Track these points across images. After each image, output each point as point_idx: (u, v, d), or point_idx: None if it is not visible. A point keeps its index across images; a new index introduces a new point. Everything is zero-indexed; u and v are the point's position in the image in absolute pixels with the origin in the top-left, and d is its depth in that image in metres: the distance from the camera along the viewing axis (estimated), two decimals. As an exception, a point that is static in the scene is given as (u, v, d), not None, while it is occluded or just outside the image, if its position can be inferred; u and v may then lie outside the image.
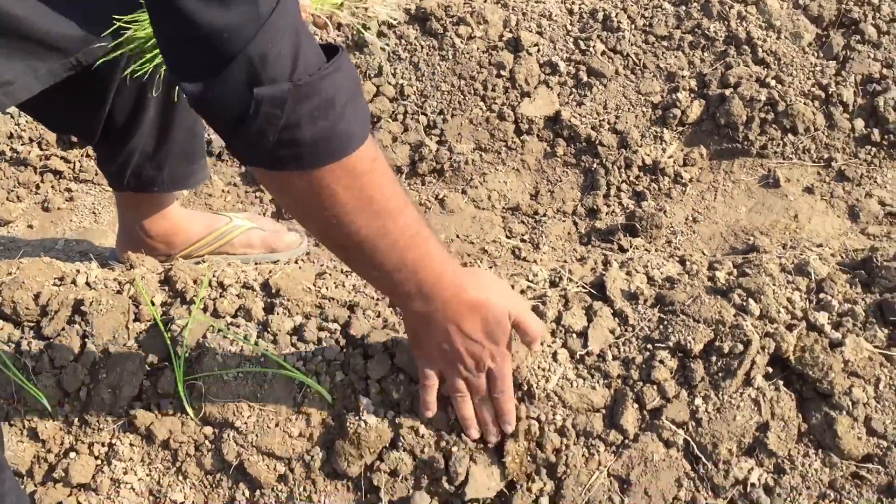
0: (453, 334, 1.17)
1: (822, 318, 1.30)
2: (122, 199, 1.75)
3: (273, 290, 1.44)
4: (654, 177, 2.06)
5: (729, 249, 1.89)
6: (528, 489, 1.26)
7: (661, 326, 1.31)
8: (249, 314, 1.39)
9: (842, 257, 1.49)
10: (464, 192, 2.12)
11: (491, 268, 1.81)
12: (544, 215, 2.05)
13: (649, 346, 1.30)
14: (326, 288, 1.47)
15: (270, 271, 1.52)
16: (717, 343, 1.28)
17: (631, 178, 2.07)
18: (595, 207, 2.04)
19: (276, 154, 0.96)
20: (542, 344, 1.32)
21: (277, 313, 1.39)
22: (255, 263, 1.81)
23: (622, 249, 1.90)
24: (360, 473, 1.29)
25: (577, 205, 2.07)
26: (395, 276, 1.10)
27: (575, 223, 2.03)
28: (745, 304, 1.32)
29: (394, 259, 1.08)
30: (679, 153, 2.09)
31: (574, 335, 1.34)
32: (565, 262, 1.79)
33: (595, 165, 2.09)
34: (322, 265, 1.62)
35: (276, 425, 1.30)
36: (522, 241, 1.97)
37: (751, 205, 1.99)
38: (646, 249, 1.88)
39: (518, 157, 2.16)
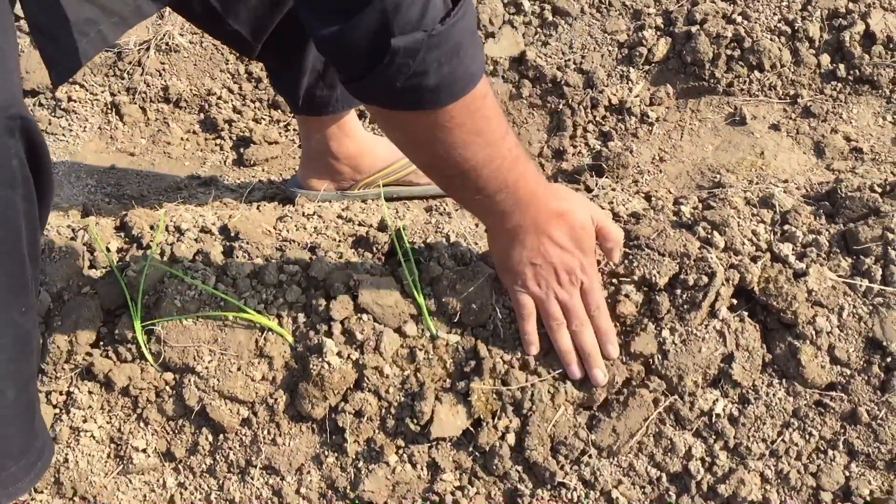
0: (544, 245, 1.19)
1: (786, 248, 1.30)
2: (305, 121, 1.69)
3: (232, 234, 1.41)
4: (620, 117, 2.04)
5: (695, 187, 1.88)
6: (494, 427, 1.25)
7: (626, 261, 1.30)
8: (208, 258, 1.36)
9: (806, 191, 1.48)
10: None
11: (456, 210, 1.79)
12: (510, 157, 2.02)
13: (614, 280, 1.29)
14: (287, 230, 1.44)
15: (230, 216, 1.48)
16: (682, 276, 1.27)
17: (597, 119, 2.04)
18: (561, 148, 2.02)
19: (399, 97, 0.99)
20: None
21: (237, 257, 1.36)
22: (436, 196, 1.77)
23: (588, 190, 1.88)
24: (324, 415, 1.27)
25: (544, 146, 2.04)
26: (495, 197, 1.13)
27: (542, 164, 2.01)
28: (709, 236, 1.31)
29: (496, 183, 1.11)
30: (646, 92, 2.06)
31: (539, 272, 1.33)
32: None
33: (561, 106, 2.06)
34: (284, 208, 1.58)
35: (238, 369, 1.28)
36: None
37: (717, 143, 1.98)
38: (612, 189, 1.87)
39: (483, 99, 2.11)
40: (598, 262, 1.28)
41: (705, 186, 1.87)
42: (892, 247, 1.25)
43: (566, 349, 1.23)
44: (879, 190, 1.38)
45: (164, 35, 2.22)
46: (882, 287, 1.24)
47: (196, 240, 1.40)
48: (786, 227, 1.34)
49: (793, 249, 1.30)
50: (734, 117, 2.00)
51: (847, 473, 1.20)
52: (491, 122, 1.06)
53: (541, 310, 1.23)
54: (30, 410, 0.99)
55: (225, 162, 2.09)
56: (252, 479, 1.27)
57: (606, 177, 1.91)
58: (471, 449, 1.26)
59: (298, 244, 1.40)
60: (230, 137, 2.13)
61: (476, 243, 1.36)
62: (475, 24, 1.02)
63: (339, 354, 1.26)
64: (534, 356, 1.25)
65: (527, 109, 2.10)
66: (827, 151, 1.90)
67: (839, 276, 1.26)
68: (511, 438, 1.25)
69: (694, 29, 2.04)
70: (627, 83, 2.07)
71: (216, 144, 2.13)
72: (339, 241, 1.41)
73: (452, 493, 1.25)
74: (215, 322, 1.29)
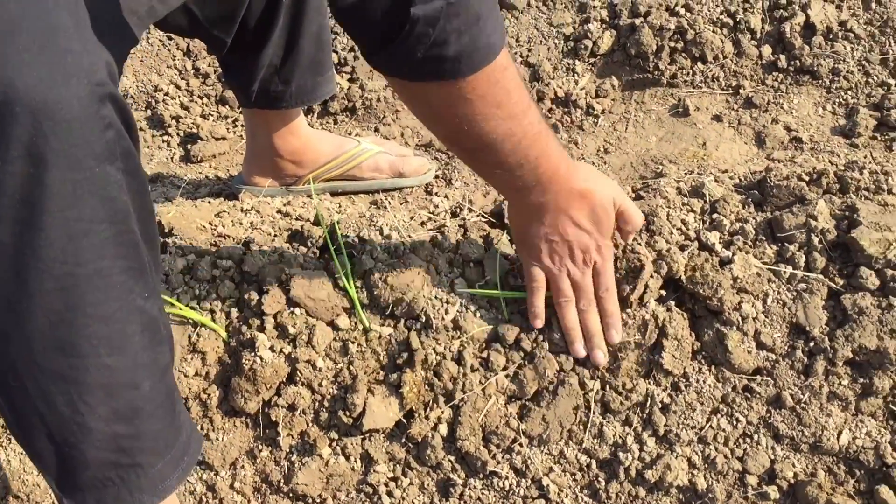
0: (563, 223, 1.19)
1: (713, 237, 1.32)
2: (252, 116, 1.67)
3: (166, 230, 1.40)
4: (566, 109, 2.05)
5: (638, 178, 1.90)
6: (426, 417, 1.26)
7: (557, 252, 1.31)
8: (140, 254, 1.35)
9: (739, 180, 1.50)
10: (376, 129, 2.09)
11: (402, 204, 1.80)
12: (457, 151, 2.03)
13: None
14: (223, 226, 1.44)
15: (166, 212, 1.48)
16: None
17: (543, 111, 2.05)
18: (508, 141, 2.02)
19: (419, 68, 0.98)
20: (439, 273, 1.31)
21: (170, 252, 1.36)
22: (381, 191, 1.77)
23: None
24: (258, 410, 1.27)
25: (491, 139, 2.05)
26: (516, 172, 1.13)
27: (488, 158, 2.02)
28: (639, 226, 1.33)
29: (517, 157, 1.11)
30: (591, 85, 2.08)
31: (471, 264, 1.34)
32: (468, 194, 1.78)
33: (508, 99, 2.07)
34: (220, 203, 1.58)
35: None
36: (435, 177, 1.95)
37: (661, 134, 2.00)
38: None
39: (431, 92, 2.12)
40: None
41: (648, 177, 1.89)
42: (815, 234, 1.27)
43: (572, 326, 1.24)
44: (807, 178, 1.40)
45: (109, 31, 2.20)
46: (805, 273, 1.26)
47: (130, 236, 1.40)
48: (714, 215, 1.36)
49: (720, 238, 1.32)
50: (678, 109, 2.02)
51: (772, 457, 1.22)
52: (512, 95, 1.06)
53: (552, 285, 1.25)
54: (168, 402, 0.94)
55: (172, 158, 2.07)
56: (185, 474, 1.27)
57: (551, 169, 1.92)
58: (404, 440, 1.27)
59: (233, 239, 1.40)
60: (177, 134, 2.12)
61: (409, 236, 1.37)
62: None
63: (271, 349, 1.26)
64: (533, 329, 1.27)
65: (474, 103, 2.10)
66: (767, 141, 1.93)
67: (764, 264, 1.28)
68: (443, 429, 1.26)
69: (637, 21, 2.05)
70: (573, 76, 2.08)
71: (163, 141, 2.11)
72: (275, 235, 1.41)
73: (386, 485, 1.26)
74: (147, 318, 1.29)
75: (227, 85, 1.61)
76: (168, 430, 0.94)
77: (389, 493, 1.25)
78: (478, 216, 1.43)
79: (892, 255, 1.23)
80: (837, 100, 1.98)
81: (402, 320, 1.29)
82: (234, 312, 1.30)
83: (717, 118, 2.00)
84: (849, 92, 1.99)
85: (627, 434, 1.25)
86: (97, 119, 0.76)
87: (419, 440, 1.26)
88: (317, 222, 1.43)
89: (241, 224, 1.45)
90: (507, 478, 1.25)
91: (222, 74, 1.71)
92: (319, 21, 1.50)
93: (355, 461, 1.27)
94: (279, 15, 1.42)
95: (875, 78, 1.99)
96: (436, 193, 1.90)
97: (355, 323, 1.29)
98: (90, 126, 0.75)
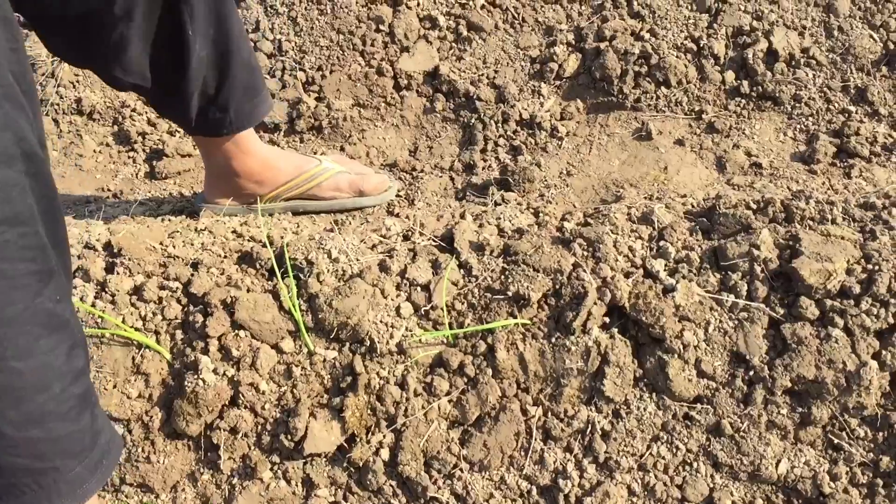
0: None
1: (658, 265, 1.32)
2: (202, 141, 1.67)
3: (115, 250, 1.40)
4: (531, 131, 2.06)
5: (599, 202, 1.91)
6: (368, 442, 1.26)
7: (502, 277, 1.32)
8: (88, 274, 1.35)
9: (691, 207, 1.51)
10: (342, 148, 2.10)
11: (362, 225, 1.80)
12: (422, 171, 2.04)
13: (488, 295, 1.31)
14: (174, 247, 1.44)
15: (118, 231, 1.48)
16: (554, 293, 1.29)
17: (508, 133, 2.06)
18: (472, 162, 2.03)
19: None
20: (385, 297, 1.32)
21: (117, 273, 1.36)
22: (342, 211, 1.78)
23: (496, 204, 1.90)
24: (200, 432, 1.27)
25: (455, 160, 2.06)
26: None
27: (452, 178, 2.02)
28: (585, 253, 1.34)
29: None
30: (556, 107, 2.09)
31: (419, 288, 1.34)
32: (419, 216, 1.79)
33: (473, 120, 2.08)
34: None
35: (114, 387, 1.28)
36: (398, 195, 1.95)
37: (624, 157, 2.01)
38: (518, 203, 1.89)
39: (398, 112, 2.13)
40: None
41: (608, 201, 1.90)
42: (758, 263, 1.28)
43: None
44: (755, 206, 1.41)
45: (79, 47, 2.20)
46: (747, 302, 1.27)
47: (79, 256, 1.40)
48: (661, 243, 1.37)
49: (665, 265, 1.33)
50: (641, 132, 2.03)
51: (711, 485, 1.23)
52: None
53: None
54: (83, 405, 0.92)
55: (137, 175, 2.08)
56: (126, 496, 1.27)
57: (513, 191, 1.93)
58: (345, 464, 1.27)
59: (183, 260, 1.40)
60: (143, 150, 2.12)
61: (357, 259, 1.37)
62: None
63: (214, 371, 1.26)
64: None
65: (440, 123, 2.12)
66: (728, 166, 1.94)
67: (707, 292, 1.29)
68: (385, 454, 1.26)
69: (603, 45, 2.07)
70: (539, 98, 2.10)
71: (129, 157, 2.12)
72: (225, 256, 1.41)
73: (327, 509, 1.26)
74: (91, 339, 1.29)
75: (166, 117, 1.61)
76: (84, 433, 0.93)
77: (330, 518, 1.25)
78: (428, 240, 1.43)
79: (831, 286, 1.24)
80: (798, 126, 2.00)
81: (347, 344, 1.30)
82: (179, 334, 1.30)
83: (680, 142, 2.01)
84: (810, 118, 2.00)
85: (568, 461, 1.25)
86: None
87: (361, 465, 1.26)
88: (269, 243, 1.43)
89: (192, 245, 1.45)
90: (447, 503, 1.25)
91: (156, 111, 1.72)
92: (248, 47, 1.51)
93: (296, 485, 1.27)
94: (190, 46, 1.39)
95: (836, 105, 2.01)
96: (397, 214, 1.91)
97: (300, 346, 1.29)
98: None
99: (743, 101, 2.04)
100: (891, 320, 1.21)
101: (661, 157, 1.98)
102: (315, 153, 2.08)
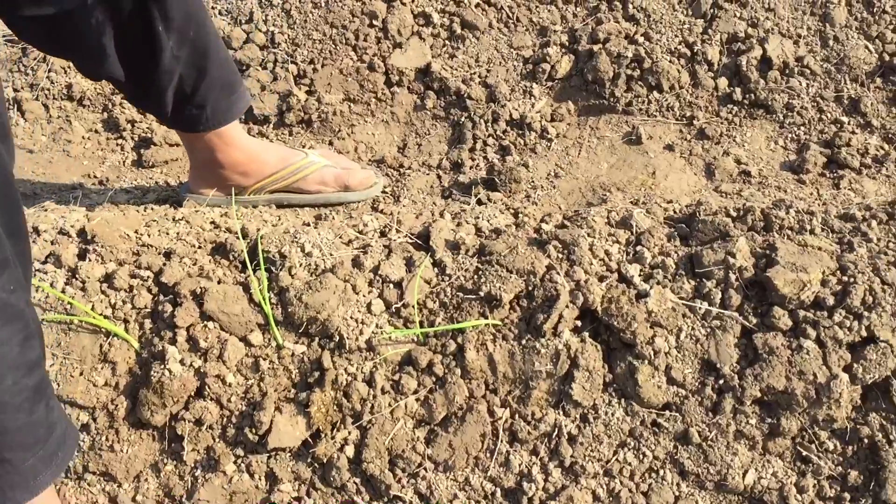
0: None
1: (633, 269, 1.31)
2: (183, 135, 1.66)
3: (89, 237, 1.40)
4: (520, 131, 2.05)
5: (585, 204, 1.89)
6: (333, 438, 1.25)
7: (475, 276, 1.31)
8: (59, 260, 1.35)
9: (674, 213, 1.50)
10: (331, 143, 2.09)
11: (345, 220, 1.79)
12: (409, 168, 2.03)
13: (461, 295, 1.30)
14: (149, 235, 1.43)
15: (93, 218, 1.47)
16: (527, 294, 1.28)
17: (498, 133, 2.05)
18: (460, 161, 2.02)
19: None
20: (357, 293, 1.31)
21: (89, 259, 1.35)
22: (326, 205, 1.77)
23: (480, 203, 1.89)
24: (164, 423, 1.26)
25: (443, 158, 2.05)
26: None
27: (439, 176, 2.01)
28: (560, 255, 1.32)
29: None
30: (547, 108, 2.08)
31: (391, 285, 1.33)
32: (396, 213, 1.78)
33: (463, 119, 2.07)
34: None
35: (81, 374, 1.27)
36: (383, 192, 1.94)
37: (613, 161, 1.99)
38: (504, 203, 1.88)
39: (388, 108, 2.12)
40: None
41: (595, 204, 1.89)
42: (733, 271, 1.27)
43: None
44: (734, 214, 1.40)
45: (72, 33, 2.20)
46: (720, 310, 1.25)
47: (52, 242, 1.39)
48: (638, 248, 1.36)
49: (640, 270, 1.32)
50: (631, 136, 2.02)
51: (677, 493, 1.21)
52: None
53: None
54: (38, 397, 0.92)
55: (124, 162, 2.07)
56: (88, 485, 1.26)
57: (499, 191, 1.92)
58: (309, 460, 1.26)
59: (156, 249, 1.39)
60: (132, 138, 2.12)
61: (331, 254, 1.36)
62: None
63: (181, 362, 1.26)
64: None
65: (430, 121, 2.11)
66: (717, 173, 1.93)
67: (681, 298, 1.28)
68: (350, 450, 1.25)
69: (596, 48, 2.06)
70: (530, 98, 2.08)
71: (117, 144, 2.11)
72: (198, 247, 1.41)
73: (289, 504, 1.25)
74: (60, 325, 1.28)
75: (145, 111, 1.60)
76: (37, 425, 0.92)
77: (292, 513, 1.24)
78: (405, 237, 1.42)
79: (805, 297, 1.23)
80: (790, 135, 1.98)
81: (316, 339, 1.29)
82: (148, 324, 1.30)
83: (669, 147, 1.99)
84: (801, 128, 1.99)
85: (534, 464, 1.24)
86: None
87: (325, 461, 1.25)
88: (243, 236, 1.43)
89: (167, 234, 1.45)
90: (410, 503, 1.24)
91: (135, 106, 1.70)
92: (224, 45, 1.51)
93: (259, 479, 1.26)
94: (160, 42, 1.38)
95: (828, 115, 1.99)
96: (381, 210, 1.90)
97: (269, 339, 1.28)
98: None
99: (735, 108, 2.02)
100: (864, 333, 1.19)
101: (650, 162, 1.97)
102: (303, 147, 2.08)
